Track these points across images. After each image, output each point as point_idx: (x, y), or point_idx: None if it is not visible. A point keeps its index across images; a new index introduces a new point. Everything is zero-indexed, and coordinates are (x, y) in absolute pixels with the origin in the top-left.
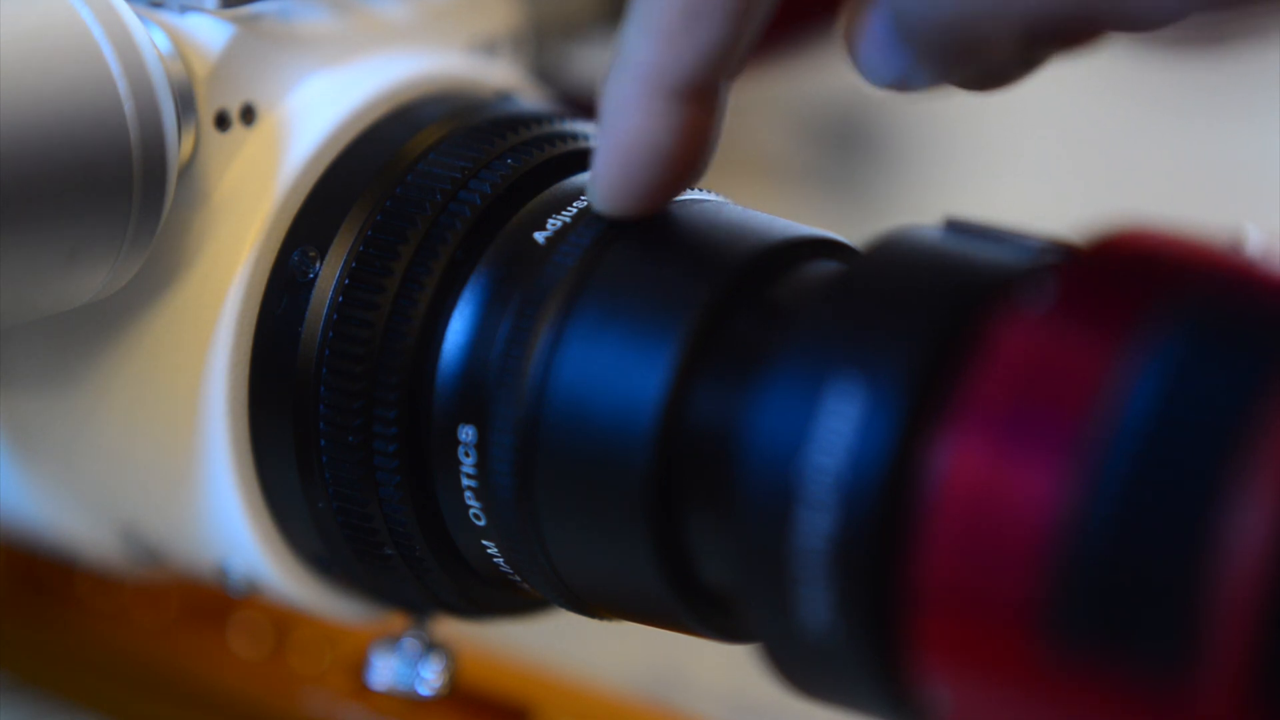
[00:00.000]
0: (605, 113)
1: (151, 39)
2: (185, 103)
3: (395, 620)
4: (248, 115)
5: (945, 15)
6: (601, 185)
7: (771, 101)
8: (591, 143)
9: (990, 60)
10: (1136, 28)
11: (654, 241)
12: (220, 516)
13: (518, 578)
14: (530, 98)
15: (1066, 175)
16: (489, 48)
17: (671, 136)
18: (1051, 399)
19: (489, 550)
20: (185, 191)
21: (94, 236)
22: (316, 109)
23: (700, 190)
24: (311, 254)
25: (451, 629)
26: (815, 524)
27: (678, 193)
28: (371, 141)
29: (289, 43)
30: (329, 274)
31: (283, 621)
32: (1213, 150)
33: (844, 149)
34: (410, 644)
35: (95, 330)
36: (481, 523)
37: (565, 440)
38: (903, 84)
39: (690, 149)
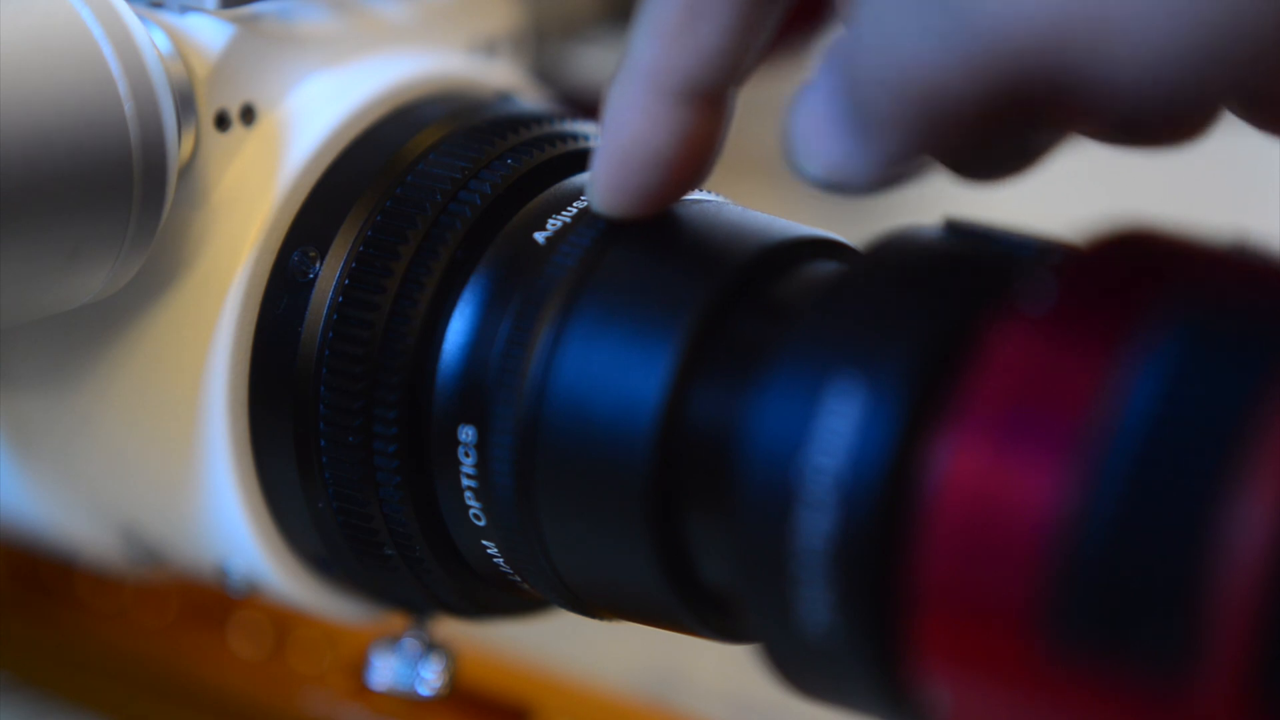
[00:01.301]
0: (607, 114)
1: (151, 39)
2: (185, 103)
3: (395, 620)
4: (248, 115)
5: (903, 83)
6: (600, 187)
7: (771, 101)
8: (593, 143)
9: (962, 142)
10: (1114, 112)
11: (654, 242)
12: (220, 516)
13: (518, 578)
14: (530, 98)
15: (1066, 175)
16: (489, 48)
17: (672, 140)
18: (1051, 399)
19: (489, 550)
20: (185, 191)
21: (94, 236)
22: (316, 109)
23: (700, 190)
24: (311, 254)
25: (451, 629)
26: (815, 524)
27: (678, 197)
28: (371, 142)
29: (289, 43)
30: (329, 274)
31: (283, 621)
32: (1213, 150)
33: None
34: (410, 644)
35: (95, 330)
36: (481, 523)
37: (565, 440)
38: (885, 172)
39: (692, 154)
